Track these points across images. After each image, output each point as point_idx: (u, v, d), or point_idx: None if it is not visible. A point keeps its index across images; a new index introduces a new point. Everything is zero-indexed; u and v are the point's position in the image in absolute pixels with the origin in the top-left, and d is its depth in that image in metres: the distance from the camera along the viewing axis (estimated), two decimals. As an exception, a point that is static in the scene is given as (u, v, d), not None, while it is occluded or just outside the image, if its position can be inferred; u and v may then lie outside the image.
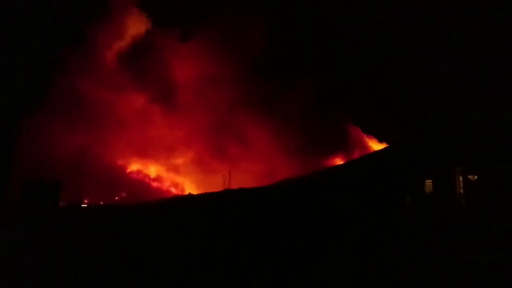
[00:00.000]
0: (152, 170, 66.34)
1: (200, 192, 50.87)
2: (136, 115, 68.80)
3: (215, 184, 57.47)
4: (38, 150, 54.92)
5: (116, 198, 55.79)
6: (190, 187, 63.32)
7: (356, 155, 68.94)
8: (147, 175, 65.24)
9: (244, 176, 61.58)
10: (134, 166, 65.22)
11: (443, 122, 43.73)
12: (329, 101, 77.68)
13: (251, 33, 75.62)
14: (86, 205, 50.53)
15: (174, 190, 62.98)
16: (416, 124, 53.09)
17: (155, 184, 64.15)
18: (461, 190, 27.91)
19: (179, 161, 68.89)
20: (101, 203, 52.73)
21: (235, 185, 55.31)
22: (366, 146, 76.70)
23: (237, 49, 74.80)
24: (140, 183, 62.55)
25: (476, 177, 26.98)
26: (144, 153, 66.30)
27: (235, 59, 74.26)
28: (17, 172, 48.61)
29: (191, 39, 75.33)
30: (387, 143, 69.57)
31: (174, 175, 67.23)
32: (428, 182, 30.45)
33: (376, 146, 74.35)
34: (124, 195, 56.89)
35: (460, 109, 43.57)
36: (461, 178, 28.01)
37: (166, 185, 64.70)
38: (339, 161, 71.06)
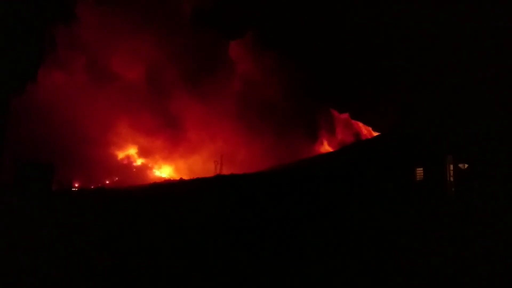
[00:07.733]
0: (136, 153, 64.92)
1: (190, 178, 50.62)
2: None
3: (204, 170, 56.68)
4: (27, 131, 53.83)
5: (107, 182, 55.55)
6: (177, 172, 62.72)
7: (345, 141, 68.62)
8: (133, 160, 64.22)
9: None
10: (123, 150, 64.29)
11: (435, 110, 44.26)
12: (309, 82, 67.31)
13: None
14: (77, 189, 50.31)
15: (163, 175, 62.63)
16: (408, 111, 53.47)
17: (143, 168, 63.52)
18: (451, 179, 28.50)
19: (154, 144, 65.20)
20: (92, 187, 52.47)
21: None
22: (356, 133, 76.74)
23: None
24: (129, 168, 62.03)
25: (466, 165, 27.58)
26: (128, 137, 64.18)
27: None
28: (9, 153, 47.73)
29: None
30: (379, 131, 70.02)
31: (157, 159, 65.34)
32: (419, 170, 31.02)
33: (367, 133, 74.72)
34: (116, 179, 56.68)
35: (452, 98, 44.06)
36: (451, 167, 28.58)
37: (153, 169, 64.03)
38: (324, 147, 70.50)
